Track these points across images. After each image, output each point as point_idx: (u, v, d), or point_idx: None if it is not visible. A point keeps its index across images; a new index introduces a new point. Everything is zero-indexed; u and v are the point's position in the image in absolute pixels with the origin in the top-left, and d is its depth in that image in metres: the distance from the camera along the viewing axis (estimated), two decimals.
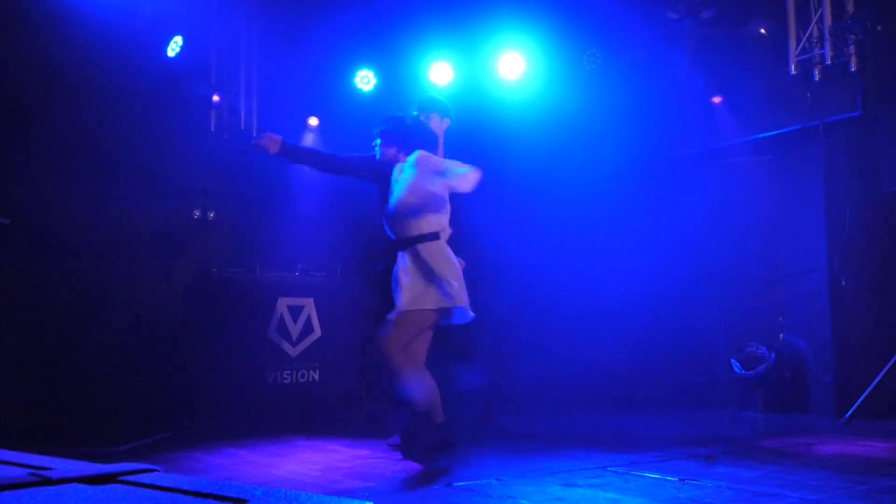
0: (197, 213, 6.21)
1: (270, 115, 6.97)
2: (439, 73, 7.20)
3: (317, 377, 5.96)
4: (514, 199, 7.25)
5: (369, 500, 1.32)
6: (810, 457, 4.21)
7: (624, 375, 7.21)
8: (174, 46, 6.29)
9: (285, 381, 5.82)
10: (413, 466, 4.05)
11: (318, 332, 6.02)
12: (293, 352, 5.90)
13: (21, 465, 1.59)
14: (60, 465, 1.58)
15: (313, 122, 7.31)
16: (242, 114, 6.91)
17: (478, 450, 4.57)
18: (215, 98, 6.72)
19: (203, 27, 6.65)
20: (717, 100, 6.97)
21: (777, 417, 6.22)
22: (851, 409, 5.56)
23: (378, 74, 7.19)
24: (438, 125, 4.78)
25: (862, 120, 6.04)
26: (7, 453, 1.70)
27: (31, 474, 1.43)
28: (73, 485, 1.40)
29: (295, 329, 5.93)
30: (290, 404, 5.81)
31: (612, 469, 3.82)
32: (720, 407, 6.85)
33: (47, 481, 1.39)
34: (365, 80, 7.17)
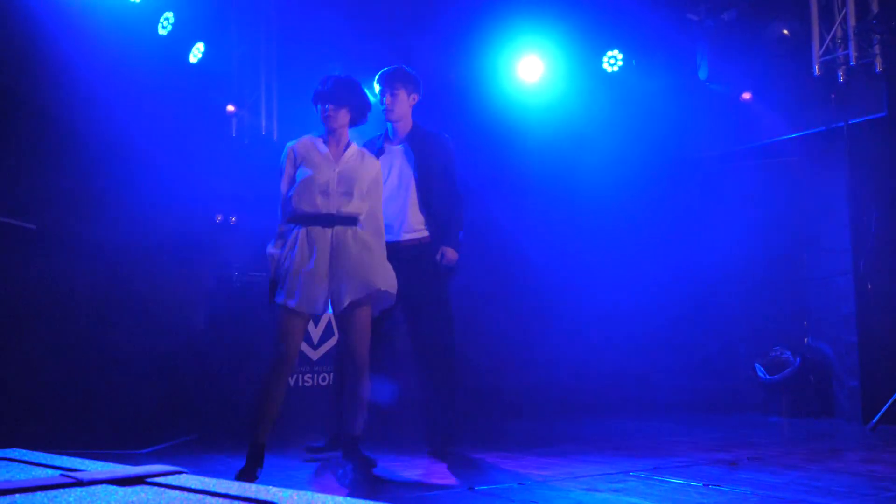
0: (219, 218, 6.26)
1: (292, 120, 7.02)
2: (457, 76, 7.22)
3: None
4: (535, 202, 7.26)
5: (393, 503, 1.34)
6: (837, 463, 4.18)
7: (646, 379, 7.19)
8: (196, 53, 6.35)
9: (306, 384, 5.85)
10: (436, 470, 4.06)
11: (338, 336, 6.05)
12: (314, 355, 5.93)
13: (52, 466, 1.62)
14: (90, 467, 1.61)
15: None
16: (263, 118, 6.97)
17: (500, 454, 4.58)
18: (230, 108, 6.77)
19: (224, 33, 6.71)
20: (746, 96, 6.91)
21: (802, 423, 6.18)
22: (878, 416, 5.51)
23: None
24: (406, 101, 4.51)
25: (887, 121, 6.00)
26: (38, 455, 1.73)
27: (63, 475, 1.45)
28: (103, 486, 1.42)
29: (315, 332, 5.96)
30: (312, 407, 5.84)
31: (635, 474, 3.81)
32: (744, 412, 6.81)
33: (78, 483, 1.41)
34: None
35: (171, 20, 6.09)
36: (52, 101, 5.44)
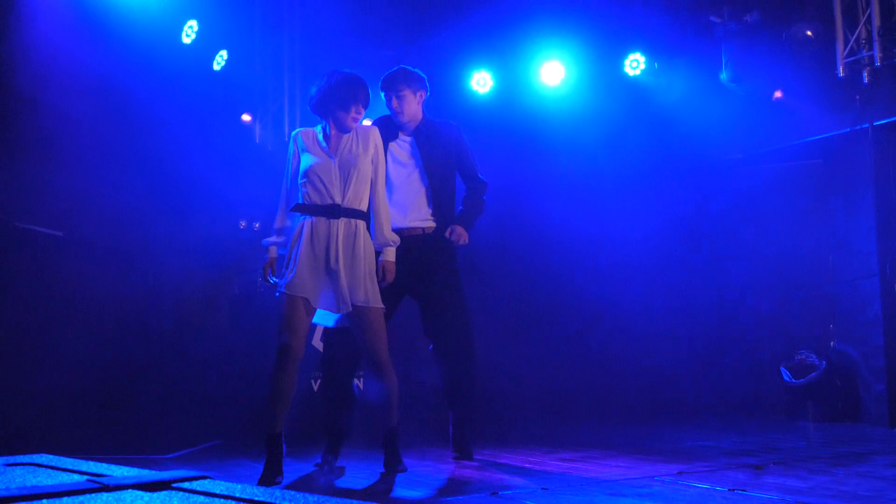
0: (243, 224, 6.30)
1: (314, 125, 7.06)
2: (480, 81, 7.23)
3: (361, 385, 5.99)
4: (560, 205, 7.24)
5: None
6: (863, 467, 4.12)
7: (670, 384, 7.14)
8: (220, 60, 6.41)
9: None
10: (460, 474, 4.06)
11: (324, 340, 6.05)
12: None
13: (79, 472, 1.63)
14: (116, 472, 1.62)
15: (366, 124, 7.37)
16: (286, 125, 7.01)
17: (524, 458, 4.57)
18: (246, 118, 6.82)
19: (248, 40, 6.77)
20: (778, 94, 6.85)
21: (828, 427, 6.12)
22: None
23: None
24: (414, 100, 4.45)
25: None
26: (66, 460, 1.75)
27: (89, 481, 1.47)
28: (129, 491, 1.43)
29: None
30: None
31: (659, 479, 3.79)
32: (769, 416, 6.75)
33: (105, 488, 1.42)
34: None
35: (195, 28, 6.14)
36: (80, 112, 5.50)
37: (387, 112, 4.51)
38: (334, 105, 3.92)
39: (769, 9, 6.65)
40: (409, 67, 4.50)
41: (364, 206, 3.95)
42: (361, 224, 3.90)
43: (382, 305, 3.92)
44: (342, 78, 3.95)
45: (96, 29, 5.49)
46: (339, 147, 3.94)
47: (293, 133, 4.07)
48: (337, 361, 4.31)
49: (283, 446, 3.84)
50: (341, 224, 3.83)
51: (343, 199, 3.85)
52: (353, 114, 3.93)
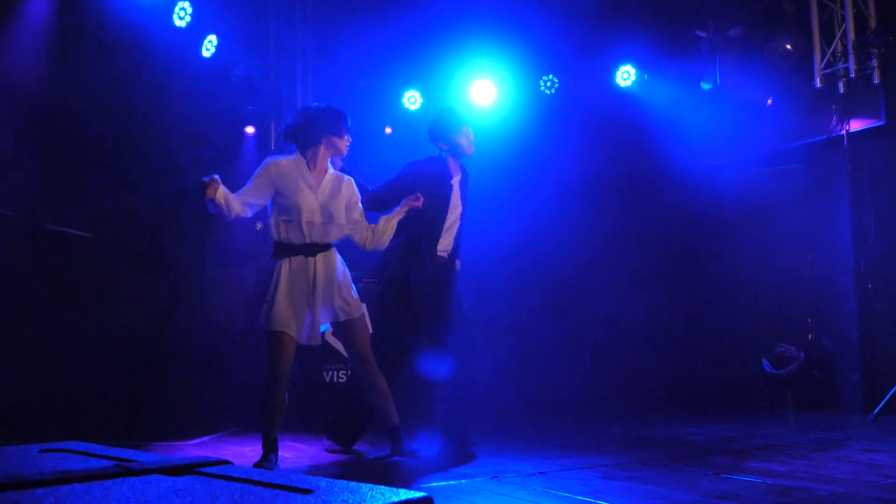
0: (259, 226, 6.29)
1: None
2: (480, 91, 7.21)
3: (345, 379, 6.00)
4: (556, 208, 7.22)
5: (423, 492, 1.33)
6: (839, 452, 4.12)
7: (659, 377, 7.12)
8: (237, 73, 6.42)
9: (341, 381, 5.86)
10: (462, 460, 4.06)
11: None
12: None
13: (107, 457, 1.63)
14: (142, 458, 1.61)
15: (387, 130, 7.36)
16: None
17: (522, 446, 4.57)
18: (250, 130, 6.82)
19: (263, 54, 6.78)
20: (769, 102, 6.82)
21: (807, 415, 6.10)
22: (878, 407, 5.44)
23: (424, 94, 7.23)
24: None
25: (885, 129, 5.94)
26: (94, 447, 1.75)
27: (117, 466, 1.46)
28: (155, 475, 1.43)
29: None
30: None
31: (650, 464, 3.78)
32: (752, 405, 6.73)
33: (131, 472, 1.42)
34: (412, 100, 7.20)
35: (215, 43, 6.15)
36: (110, 121, 5.51)
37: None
38: (328, 131, 3.81)
39: (752, 24, 6.65)
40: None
41: (337, 239, 3.91)
42: (333, 253, 3.89)
43: (363, 311, 3.99)
44: (329, 106, 3.87)
45: (124, 49, 5.50)
46: (321, 184, 3.82)
47: (271, 161, 3.83)
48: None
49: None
50: (317, 260, 3.80)
51: (322, 239, 3.82)
52: (347, 139, 3.85)
